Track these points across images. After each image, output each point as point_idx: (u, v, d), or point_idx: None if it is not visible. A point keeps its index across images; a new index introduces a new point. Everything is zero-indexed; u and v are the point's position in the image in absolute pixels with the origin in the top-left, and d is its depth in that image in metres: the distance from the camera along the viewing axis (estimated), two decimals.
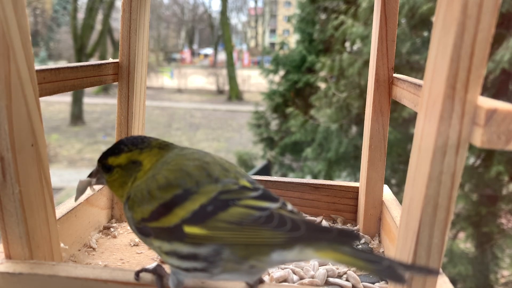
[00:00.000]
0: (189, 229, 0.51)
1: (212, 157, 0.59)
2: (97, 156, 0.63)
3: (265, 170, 7.80)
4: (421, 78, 0.61)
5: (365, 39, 4.87)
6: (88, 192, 0.67)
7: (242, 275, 0.53)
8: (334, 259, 0.47)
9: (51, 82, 0.71)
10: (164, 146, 0.61)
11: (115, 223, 0.97)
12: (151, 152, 0.60)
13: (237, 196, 0.52)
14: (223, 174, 0.55)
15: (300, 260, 0.56)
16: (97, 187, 0.66)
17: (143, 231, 0.56)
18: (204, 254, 0.51)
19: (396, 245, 0.57)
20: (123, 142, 0.61)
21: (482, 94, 0.48)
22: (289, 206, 0.54)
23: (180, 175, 0.55)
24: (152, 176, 0.57)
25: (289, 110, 6.59)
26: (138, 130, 0.98)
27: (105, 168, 0.61)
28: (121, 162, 0.60)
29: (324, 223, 0.99)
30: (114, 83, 0.95)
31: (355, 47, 5.66)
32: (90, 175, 0.64)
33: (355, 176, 5.77)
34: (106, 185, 0.63)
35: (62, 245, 0.72)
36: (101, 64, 0.88)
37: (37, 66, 0.64)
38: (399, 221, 0.57)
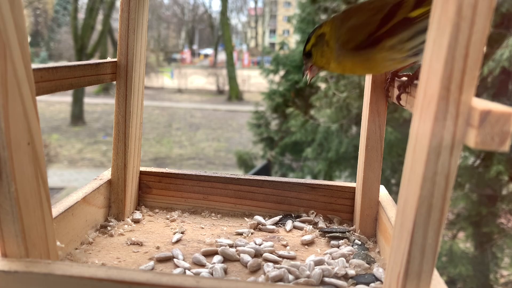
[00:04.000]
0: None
1: None
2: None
3: (265, 170, 7.80)
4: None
5: None
6: None
7: None
8: None
9: (48, 80, 0.71)
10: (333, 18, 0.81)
11: (112, 222, 0.97)
12: (327, 24, 0.80)
13: None
14: None
15: None
16: None
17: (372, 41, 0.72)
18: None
19: (391, 245, 0.57)
20: (308, 34, 0.83)
21: (482, 94, 0.48)
22: None
23: None
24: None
25: (289, 110, 6.59)
26: (135, 128, 0.98)
27: (308, 56, 0.82)
28: (312, 42, 0.81)
29: (321, 223, 0.99)
30: (114, 82, 0.95)
31: None
32: (303, 72, 0.84)
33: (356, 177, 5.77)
34: (318, 68, 0.83)
35: (58, 243, 0.72)
36: (99, 63, 0.88)
37: (35, 65, 0.65)
38: (394, 222, 0.57)
